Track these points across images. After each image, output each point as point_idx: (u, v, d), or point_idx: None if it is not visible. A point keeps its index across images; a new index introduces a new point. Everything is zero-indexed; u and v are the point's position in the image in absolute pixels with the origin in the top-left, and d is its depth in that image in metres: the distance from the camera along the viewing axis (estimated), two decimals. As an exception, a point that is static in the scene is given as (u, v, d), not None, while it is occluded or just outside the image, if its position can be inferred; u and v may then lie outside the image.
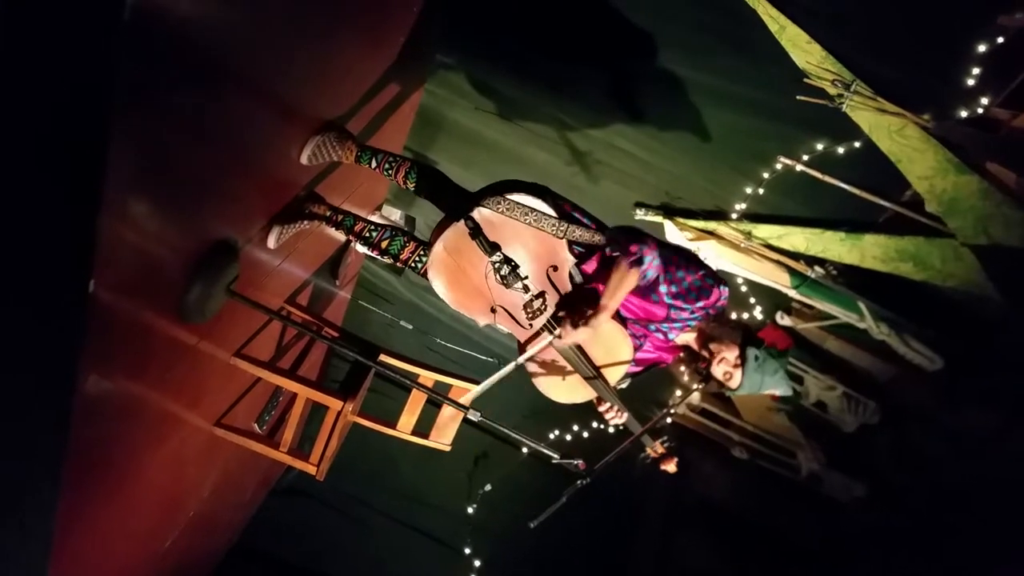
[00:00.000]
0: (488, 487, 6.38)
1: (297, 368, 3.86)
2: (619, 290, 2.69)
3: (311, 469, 3.44)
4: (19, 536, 2.39)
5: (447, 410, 3.53)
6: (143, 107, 1.86)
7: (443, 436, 3.63)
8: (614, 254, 2.74)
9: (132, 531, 3.09)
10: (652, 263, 2.70)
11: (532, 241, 2.79)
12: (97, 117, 1.73)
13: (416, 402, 3.50)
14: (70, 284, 1.93)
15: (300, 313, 3.82)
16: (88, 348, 2.07)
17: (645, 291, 2.77)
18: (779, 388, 3.00)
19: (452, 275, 2.85)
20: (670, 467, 3.07)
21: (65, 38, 1.69)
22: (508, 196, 2.76)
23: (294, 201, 3.22)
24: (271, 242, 3.13)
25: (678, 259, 2.78)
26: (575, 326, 2.73)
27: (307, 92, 3.03)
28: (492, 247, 2.75)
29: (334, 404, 3.31)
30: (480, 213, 2.75)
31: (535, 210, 2.76)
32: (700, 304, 2.77)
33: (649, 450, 3.11)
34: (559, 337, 2.78)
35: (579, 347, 2.90)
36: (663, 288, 2.74)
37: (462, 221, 2.75)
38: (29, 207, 1.91)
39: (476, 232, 2.74)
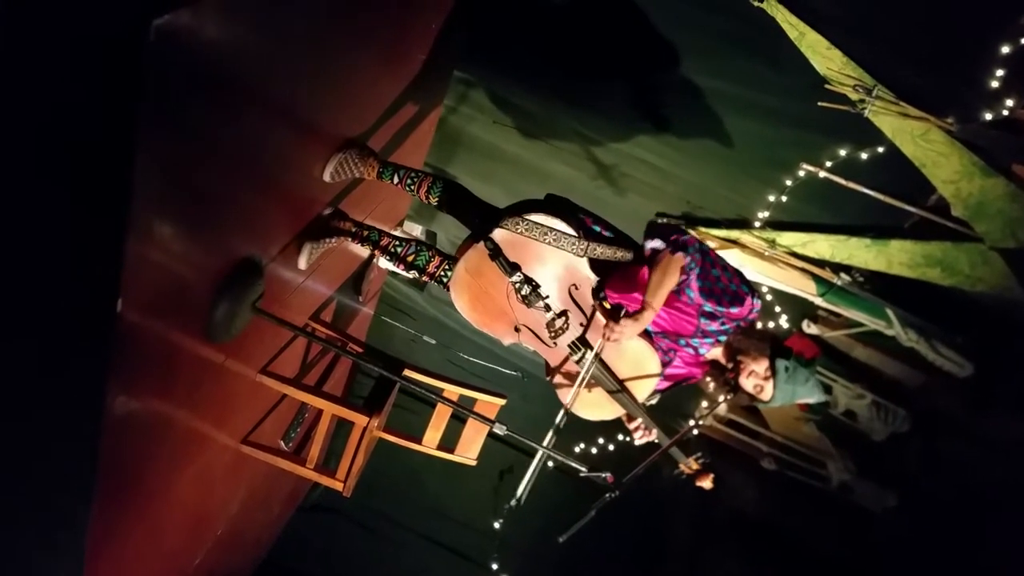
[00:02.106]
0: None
1: (322, 384, 3.85)
2: (664, 283, 2.69)
3: (337, 485, 3.43)
4: (52, 556, 2.41)
5: (472, 424, 3.52)
6: (169, 128, 1.88)
7: (469, 451, 3.62)
8: (654, 244, 2.74)
9: (162, 550, 3.10)
10: (695, 254, 2.71)
11: (553, 260, 2.80)
12: (123, 139, 1.74)
13: (441, 417, 3.49)
14: (97, 304, 1.94)
15: (324, 329, 3.83)
16: (116, 368, 2.07)
17: (677, 290, 2.76)
18: (811, 396, 2.96)
19: (475, 296, 2.86)
20: (706, 483, 3.04)
21: (91, 59, 1.71)
22: (527, 216, 2.77)
23: (318, 219, 3.23)
24: (302, 262, 3.14)
25: (715, 257, 2.78)
26: (617, 321, 2.71)
27: (328, 110, 3.05)
28: (512, 267, 2.75)
29: (360, 420, 3.30)
30: (499, 234, 2.77)
31: (554, 230, 2.76)
32: (734, 311, 2.75)
33: (683, 467, 3.07)
34: (609, 338, 2.76)
35: (604, 363, 2.88)
36: (697, 283, 2.73)
37: (482, 242, 2.77)
38: (56, 228, 1.93)
39: (496, 253, 2.75)
